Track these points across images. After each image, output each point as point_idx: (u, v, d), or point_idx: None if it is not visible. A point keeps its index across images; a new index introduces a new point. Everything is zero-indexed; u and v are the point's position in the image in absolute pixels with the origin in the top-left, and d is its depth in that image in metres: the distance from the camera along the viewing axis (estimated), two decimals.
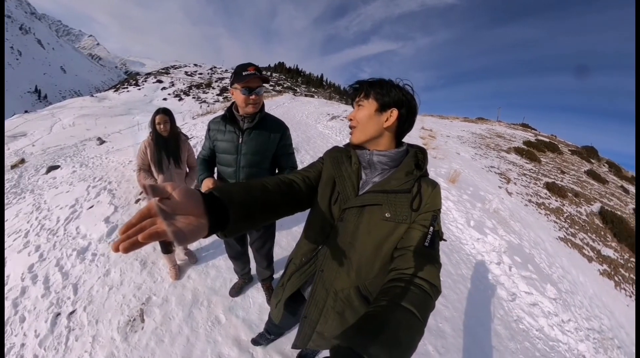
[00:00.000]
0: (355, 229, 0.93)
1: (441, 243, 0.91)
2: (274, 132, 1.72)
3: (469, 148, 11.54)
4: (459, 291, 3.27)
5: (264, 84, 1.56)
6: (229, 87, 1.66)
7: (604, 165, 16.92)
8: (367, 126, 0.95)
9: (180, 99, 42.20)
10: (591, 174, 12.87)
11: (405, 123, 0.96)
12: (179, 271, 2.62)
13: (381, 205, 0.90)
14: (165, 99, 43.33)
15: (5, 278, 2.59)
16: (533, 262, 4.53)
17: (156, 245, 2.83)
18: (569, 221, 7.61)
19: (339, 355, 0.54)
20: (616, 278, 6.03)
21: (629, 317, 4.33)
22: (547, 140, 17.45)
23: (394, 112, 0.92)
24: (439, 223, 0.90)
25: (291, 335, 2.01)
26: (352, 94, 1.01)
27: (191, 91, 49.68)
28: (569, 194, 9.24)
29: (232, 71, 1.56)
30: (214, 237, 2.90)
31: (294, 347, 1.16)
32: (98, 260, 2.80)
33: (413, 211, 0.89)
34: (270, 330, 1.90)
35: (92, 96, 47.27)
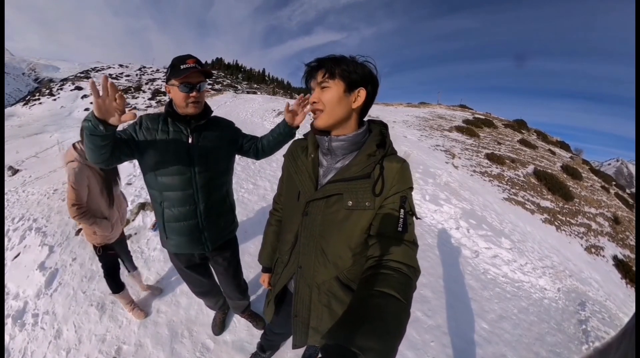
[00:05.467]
0: (322, 221, 0.91)
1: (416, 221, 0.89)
2: (227, 129, 1.51)
3: (414, 130, 12.26)
4: (430, 259, 3.41)
5: (206, 79, 1.30)
6: (164, 84, 1.31)
7: (532, 134, 19.15)
8: (336, 108, 0.86)
9: None
10: (523, 142, 14.46)
11: (370, 102, 0.91)
12: (142, 309, 2.23)
13: (342, 194, 0.87)
14: (87, 109, 34.82)
15: None
16: (486, 222, 4.91)
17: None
18: (509, 183, 8.43)
19: (329, 354, 0.53)
20: (556, 223, 6.85)
21: (572, 252, 4.91)
22: (483, 117, 19.29)
23: (362, 92, 0.86)
24: (410, 203, 0.86)
25: (287, 346, 1.90)
26: (309, 73, 0.90)
27: None
28: (507, 161, 10.26)
29: (167, 66, 1.36)
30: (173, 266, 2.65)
31: (294, 347, 1.13)
32: (42, 320, 2.24)
33: (376, 197, 0.84)
34: (265, 345, 1.74)
35: None
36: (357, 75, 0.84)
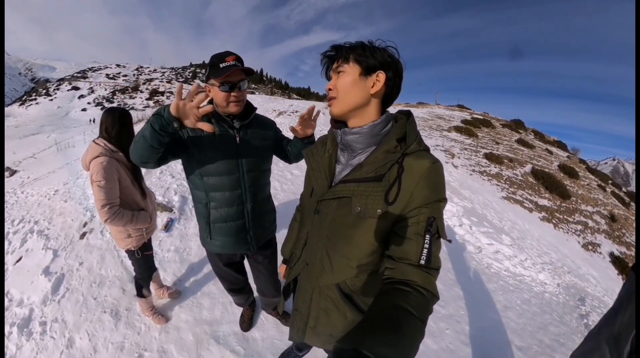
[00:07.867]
0: (332, 222, 0.86)
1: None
2: (271, 128, 1.50)
3: None
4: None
5: (247, 77, 1.25)
6: (203, 84, 1.24)
7: (530, 134, 19.33)
8: (350, 93, 0.79)
9: (103, 108, 36.87)
10: (521, 142, 14.60)
11: (393, 88, 0.81)
12: (162, 314, 2.13)
13: (351, 198, 0.79)
14: (84, 109, 35.64)
15: None
16: (487, 219, 5.04)
17: (125, 285, 2.43)
18: (508, 182, 8.56)
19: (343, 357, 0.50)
20: (553, 221, 7.00)
21: (570, 248, 5.05)
22: (481, 117, 19.42)
23: (381, 76, 0.78)
24: (438, 224, 0.72)
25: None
26: (326, 62, 0.84)
27: (115, 96, 41.38)
28: (505, 160, 10.40)
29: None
30: (191, 267, 2.65)
31: (290, 339, 1.13)
32: (51, 329, 2.07)
33: (389, 205, 0.74)
34: (300, 344, 1.70)
35: None
36: (374, 59, 0.77)
